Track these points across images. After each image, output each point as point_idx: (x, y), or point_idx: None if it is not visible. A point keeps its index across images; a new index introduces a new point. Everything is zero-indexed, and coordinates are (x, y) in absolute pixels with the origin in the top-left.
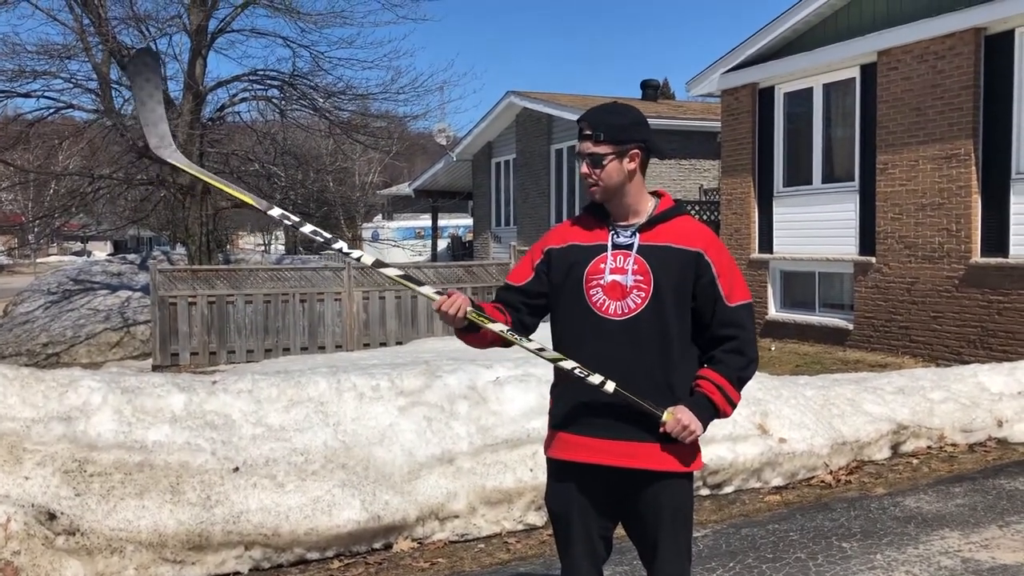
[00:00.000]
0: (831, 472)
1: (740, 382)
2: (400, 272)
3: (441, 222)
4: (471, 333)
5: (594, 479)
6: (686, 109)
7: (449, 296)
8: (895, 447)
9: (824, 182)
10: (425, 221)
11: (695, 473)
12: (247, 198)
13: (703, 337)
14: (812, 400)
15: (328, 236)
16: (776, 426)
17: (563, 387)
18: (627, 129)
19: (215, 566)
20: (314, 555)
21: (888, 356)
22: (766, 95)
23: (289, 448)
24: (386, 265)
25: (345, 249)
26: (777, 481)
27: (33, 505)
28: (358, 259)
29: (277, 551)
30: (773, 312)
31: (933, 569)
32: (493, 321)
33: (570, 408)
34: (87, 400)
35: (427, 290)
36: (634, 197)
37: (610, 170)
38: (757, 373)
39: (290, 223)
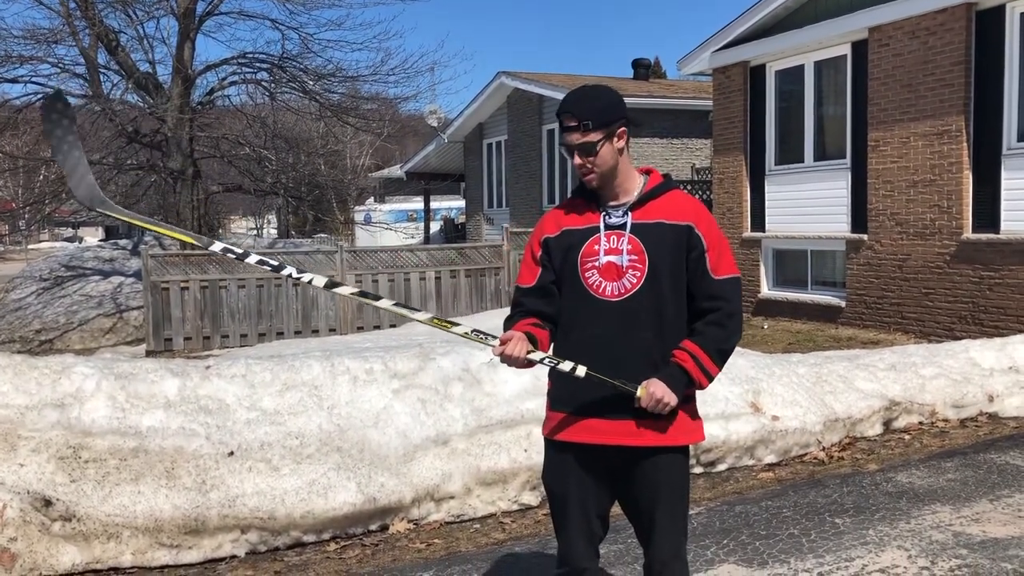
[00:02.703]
0: (824, 449)
1: (720, 354)
2: (427, 316)
3: (433, 204)
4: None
5: (594, 459)
6: (678, 88)
7: (504, 342)
8: (887, 423)
9: (816, 160)
10: (417, 203)
11: (690, 449)
12: (187, 237)
13: (690, 310)
14: (804, 378)
15: (274, 264)
16: (769, 404)
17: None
18: (610, 109)
19: (212, 550)
20: (311, 538)
21: (880, 333)
22: (757, 73)
23: (284, 432)
24: (378, 297)
25: (295, 275)
26: (770, 458)
27: (29, 492)
28: (309, 282)
29: (273, 534)
30: (766, 290)
31: (925, 543)
32: (543, 354)
33: (568, 390)
34: (81, 387)
35: (465, 330)
36: (625, 175)
37: (604, 154)
38: (749, 351)
39: (234, 256)
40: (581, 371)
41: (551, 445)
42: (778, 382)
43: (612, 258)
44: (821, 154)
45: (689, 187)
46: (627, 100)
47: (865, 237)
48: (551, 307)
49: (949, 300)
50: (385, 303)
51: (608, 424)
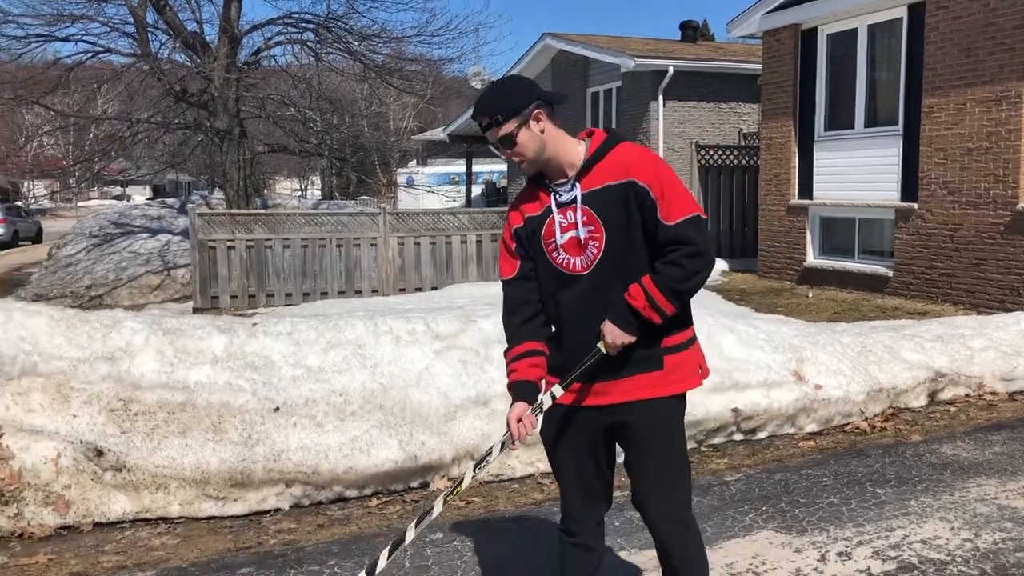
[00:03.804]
0: (866, 419)
1: (675, 293)
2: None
3: (475, 167)
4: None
5: (584, 422)
6: (726, 51)
7: (517, 436)
8: (932, 395)
9: (867, 126)
10: (459, 167)
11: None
12: None
13: (657, 258)
14: (849, 347)
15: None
16: (812, 372)
17: (557, 339)
18: (516, 97)
19: (257, 503)
20: (353, 493)
21: (928, 303)
22: (809, 36)
23: (328, 389)
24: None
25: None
26: (811, 427)
27: (81, 442)
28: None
29: (317, 489)
30: (811, 259)
31: (968, 516)
32: (538, 403)
33: (560, 360)
34: (130, 341)
35: (496, 450)
36: (559, 152)
37: (523, 140)
38: (793, 320)
39: None
40: (558, 391)
41: (550, 411)
42: (822, 351)
43: (571, 233)
44: (872, 120)
45: (735, 152)
46: (674, 63)
47: (915, 206)
48: (535, 292)
49: (1001, 271)
50: (496, 450)
51: (591, 387)
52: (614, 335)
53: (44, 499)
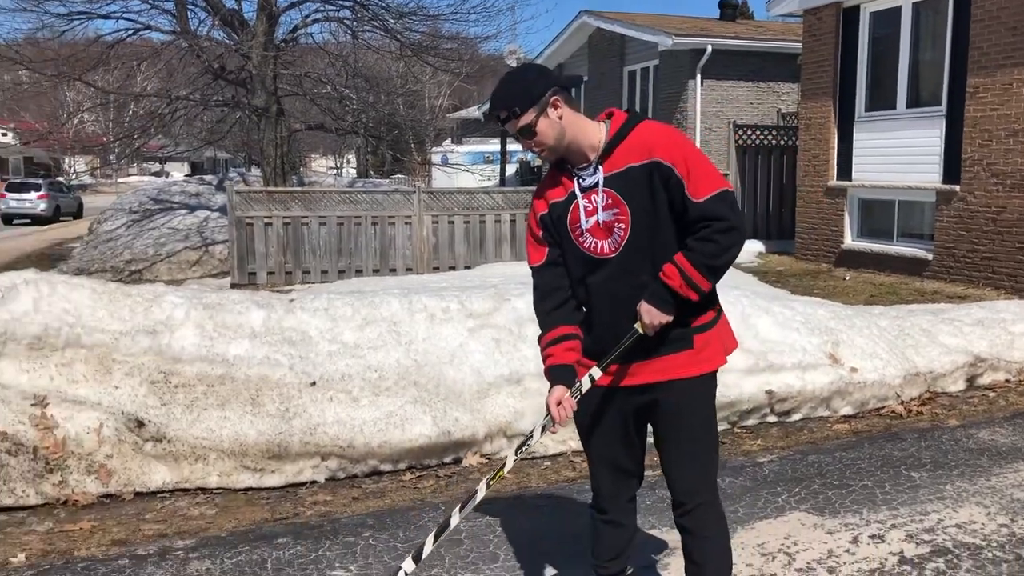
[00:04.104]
0: (902, 403)
1: (709, 269)
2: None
3: (510, 147)
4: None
5: (618, 402)
6: (765, 29)
7: (557, 419)
8: (971, 379)
9: (909, 107)
10: (494, 145)
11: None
12: None
13: (687, 234)
14: (886, 330)
15: None
16: (848, 355)
17: (587, 322)
18: (531, 87)
19: (293, 475)
20: (387, 467)
21: (968, 287)
22: (851, 15)
23: (363, 365)
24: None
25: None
26: (846, 410)
27: (123, 413)
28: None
29: (352, 462)
30: (849, 241)
31: (1005, 501)
32: (580, 384)
33: (595, 341)
34: (171, 315)
35: (536, 434)
36: (580, 137)
37: (543, 129)
38: (829, 302)
39: None
40: (597, 373)
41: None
42: (858, 334)
43: (595, 217)
44: (915, 100)
45: (774, 132)
46: (712, 41)
47: (957, 188)
48: (564, 278)
49: None
50: (537, 432)
51: (624, 369)
52: (651, 315)
53: (87, 468)
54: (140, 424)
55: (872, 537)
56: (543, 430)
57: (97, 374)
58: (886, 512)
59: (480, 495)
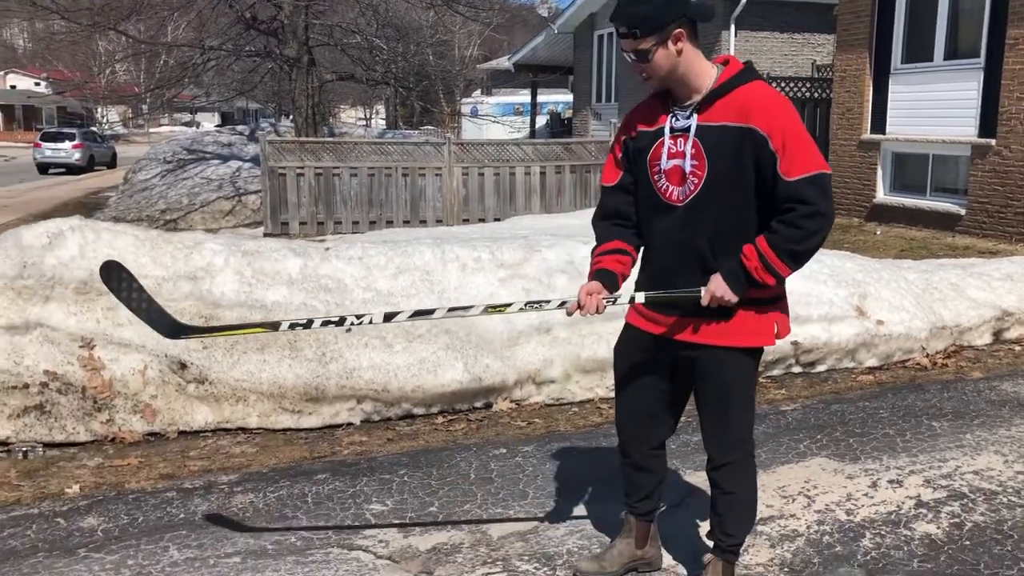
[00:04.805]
0: (928, 355)
1: (792, 256)
2: (480, 309)
3: (540, 98)
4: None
5: (656, 348)
6: None
7: (581, 303)
8: (997, 333)
9: (946, 59)
10: (524, 97)
11: (758, 353)
12: (258, 329)
13: (770, 210)
14: (914, 284)
15: (334, 320)
16: (874, 308)
17: (646, 258)
18: (661, 12)
19: (330, 417)
20: (420, 410)
21: (1000, 243)
22: None
23: None
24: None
25: (355, 320)
26: (871, 362)
27: (166, 355)
28: (370, 322)
29: (386, 405)
30: (881, 195)
31: (1023, 450)
32: (616, 295)
33: (647, 281)
34: (211, 262)
35: (519, 306)
36: (691, 75)
37: (658, 59)
38: (858, 256)
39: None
40: (640, 297)
41: (625, 326)
42: (885, 287)
43: (676, 162)
44: (952, 52)
45: (808, 85)
46: None
47: (993, 142)
48: (631, 206)
49: None
50: (439, 313)
51: (670, 319)
52: (720, 289)
53: (133, 407)
54: (183, 366)
55: (891, 482)
56: (561, 304)
57: None
58: (905, 458)
59: (473, 312)
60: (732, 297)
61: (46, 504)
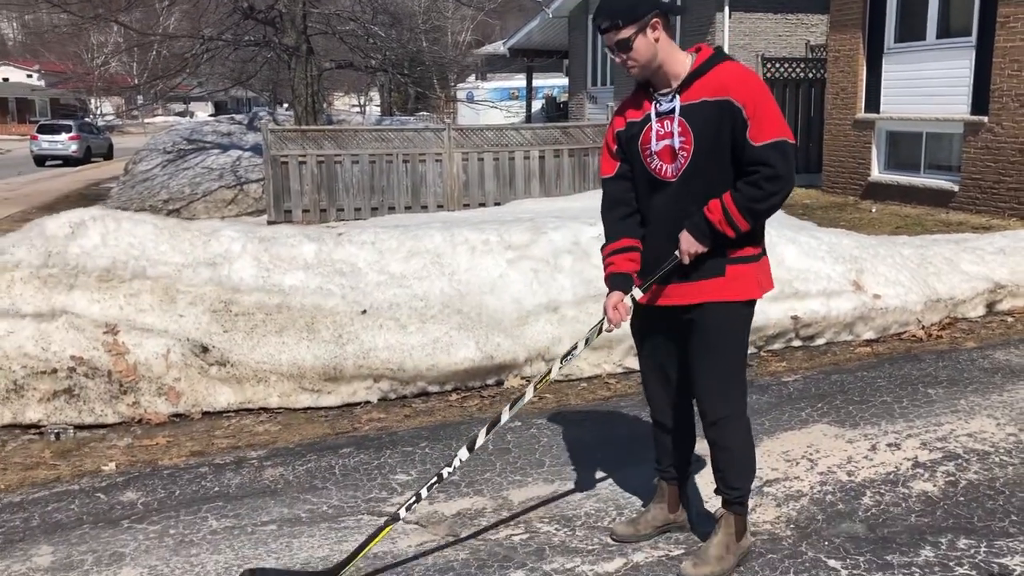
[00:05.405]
0: (923, 328)
1: (751, 213)
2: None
3: (536, 82)
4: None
5: (661, 320)
6: None
7: (613, 320)
8: (990, 305)
9: (939, 37)
10: (519, 81)
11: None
12: (384, 531)
13: (742, 175)
14: (909, 259)
15: None
16: (871, 283)
17: (647, 233)
18: (637, 4)
19: (348, 396)
20: (434, 388)
21: (993, 218)
22: None
23: (410, 294)
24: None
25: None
26: (869, 335)
27: (188, 339)
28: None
29: (402, 384)
30: (876, 173)
31: (1015, 413)
32: (632, 296)
33: (646, 263)
34: (228, 248)
35: (580, 345)
36: (667, 63)
37: (639, 47)
38: (854, 233)
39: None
40: (638, 294)
41: (636, 306)
42: (882, 262)
43: (666, 142)
44: (944, 31)
45: (802, 65)
46: None
47: (985, 119)
48: (631, 192)
49: None
50: (506, 417)
51: (665, 289)
52: (688, 243)
53: (157, 390)
54: (205, 349)
55: (889, 445)
56: (599, 331)
57: (162, 304)
58: (903, 424)
59: (528, 395)
60: (699, 248)
61: (85, 480)
